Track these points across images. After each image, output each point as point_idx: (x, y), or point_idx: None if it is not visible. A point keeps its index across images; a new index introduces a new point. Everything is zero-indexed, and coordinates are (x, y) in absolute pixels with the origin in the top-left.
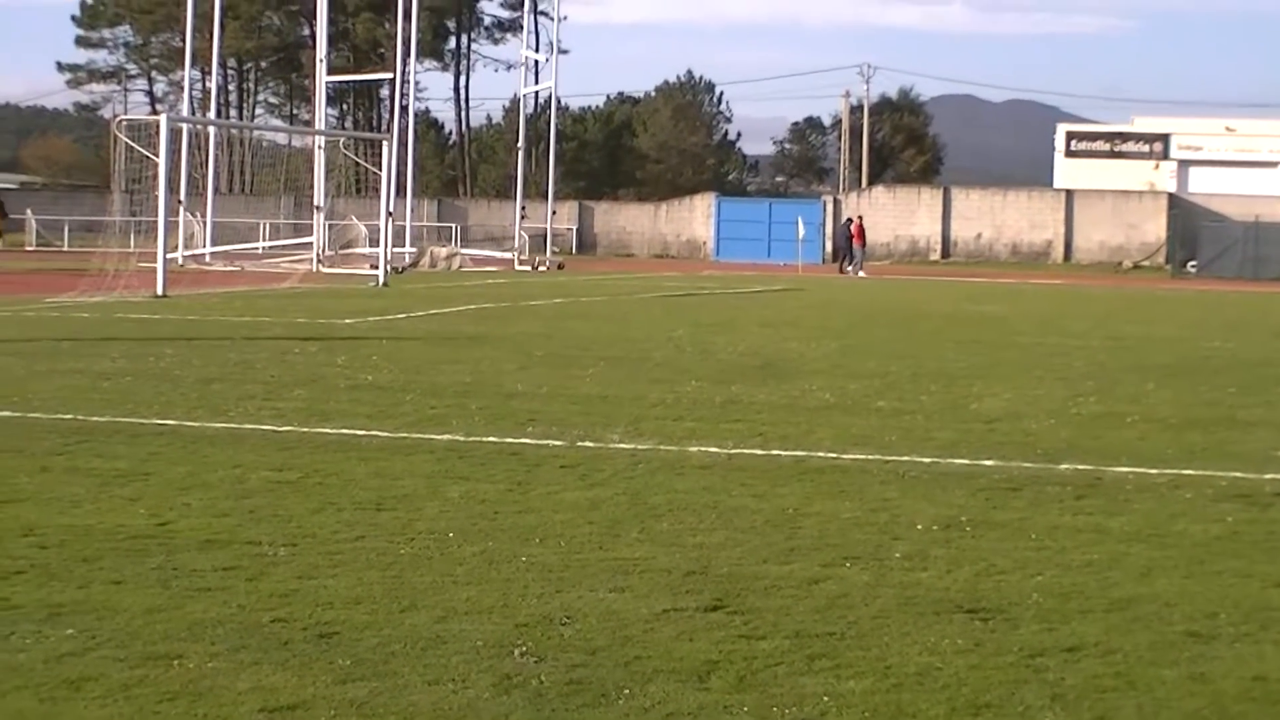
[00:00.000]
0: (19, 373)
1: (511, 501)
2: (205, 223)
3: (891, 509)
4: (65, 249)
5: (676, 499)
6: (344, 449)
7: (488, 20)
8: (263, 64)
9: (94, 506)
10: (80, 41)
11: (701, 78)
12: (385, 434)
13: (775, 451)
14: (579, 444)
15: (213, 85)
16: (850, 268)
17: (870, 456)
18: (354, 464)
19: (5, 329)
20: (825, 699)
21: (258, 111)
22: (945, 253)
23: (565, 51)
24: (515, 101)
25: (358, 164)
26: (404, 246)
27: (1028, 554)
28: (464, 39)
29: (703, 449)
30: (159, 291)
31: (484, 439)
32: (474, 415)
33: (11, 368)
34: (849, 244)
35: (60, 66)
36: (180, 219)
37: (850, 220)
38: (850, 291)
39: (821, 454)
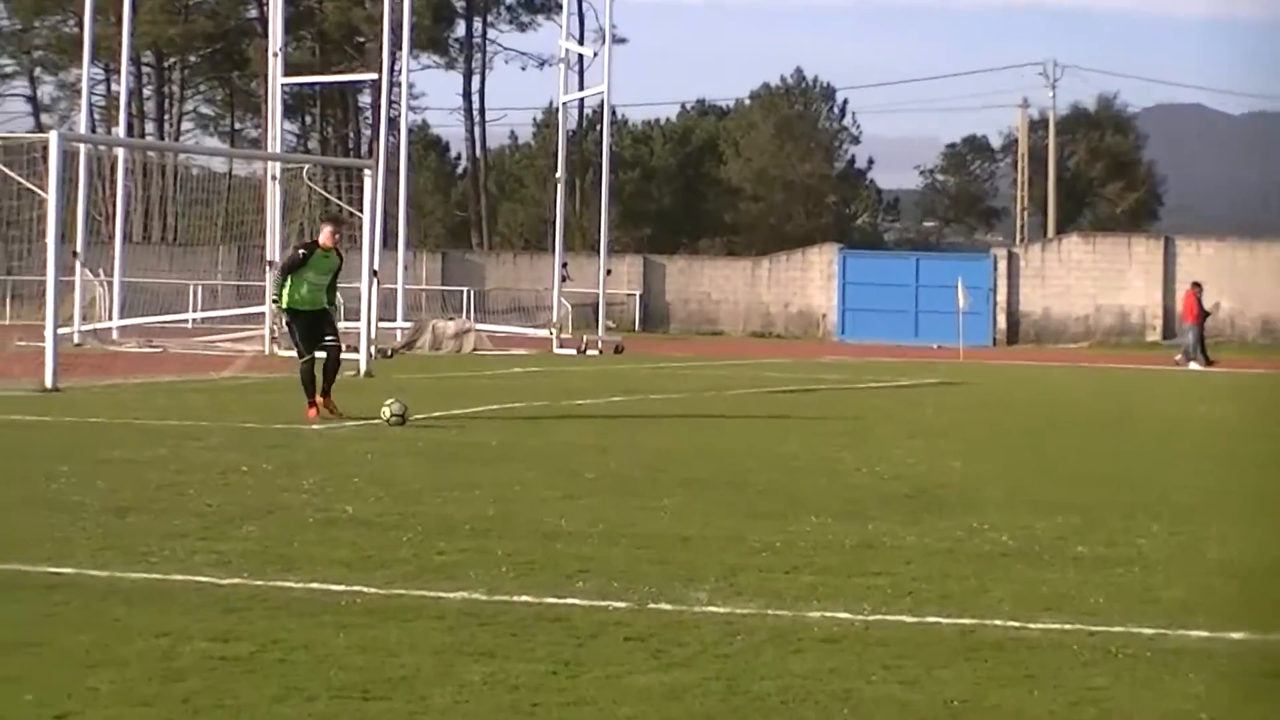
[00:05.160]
0: None
1: (556, 689)
2: (112, 284)
3: (1100, 702)
4: None
5: (791, 687)
6: (315, 611)
7: None
8: (192, 59)
9: None
10: None
11: (817, 79)
12: (374, 590)
13: (932, 618)
14: (651, 606)
15: (122, 89)
16: (1183, 356)
17: (1068, 626)
18: (330, 633)
19: None
20: None
21: (185, 126)
22: (1168, 330)
23: (622, 40)
24: (551, 113)
25: (327, 201)
26: (395, 319)
27: None
28: (478, 23)
29: (828, 614)
30: (48, 383)
31: (515, 598)
32: (500, 564)
33: None
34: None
35: None
36: (77, 278)
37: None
38: (1033, 386)
39: (998, 622)
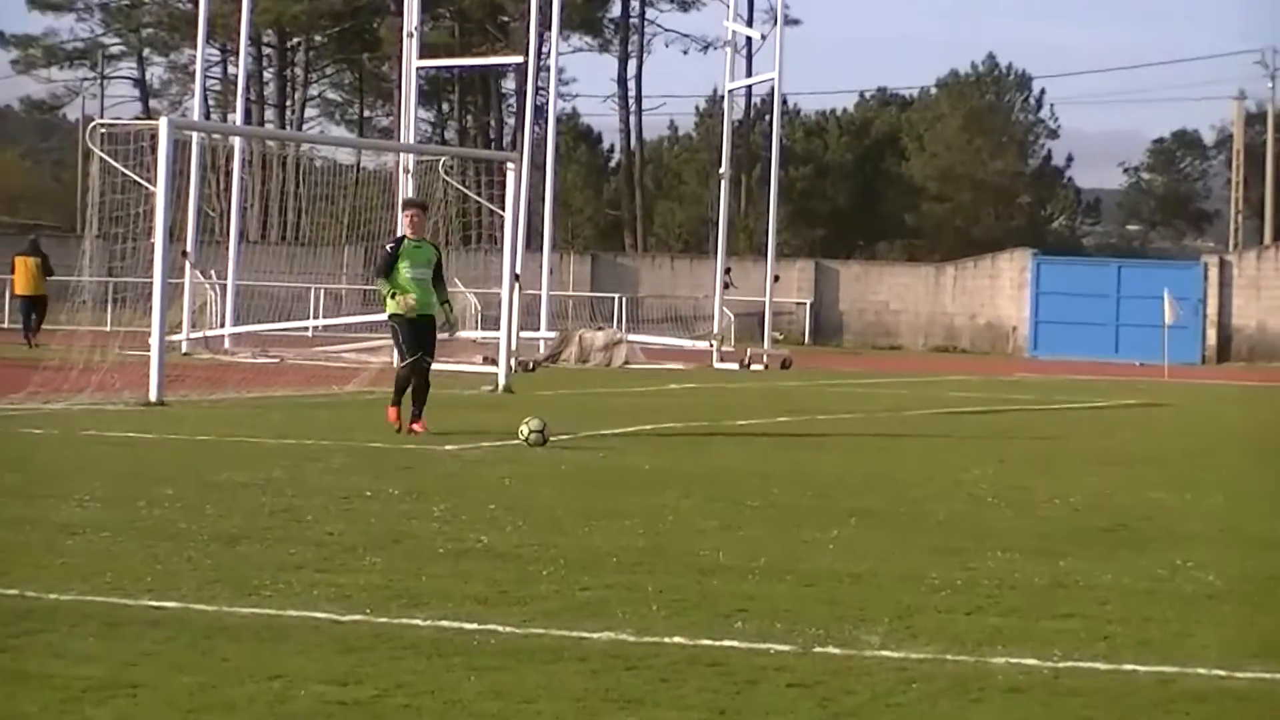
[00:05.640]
0: None
1: None
2: (225, 287)
3: None
4: (5, 325)
5: None
6: (444, 652)
7: None
8: (318, 39)
9: None
10: (36, 1)
11: (1010, 67)
12: (509, 629)
13: (1128, 666)
14: (817, 650)
15: (239, 72)
16: None
17: None
18: (459, 676)
19: None
20: None
21: (309, 114)
22: None
23: (795, 22)
24: (716, 101)
25: (465, 197)
26: (538, 329)
27: None
28: (635, 2)
29: (1013, 661)
30: (152, 396)
31: (666, 639)
32: (650, 601)
33: None
34: None
35: (3, 39)
36: (186, 281)
37: None
38: (1245, 409)
39: (1202, 670)
